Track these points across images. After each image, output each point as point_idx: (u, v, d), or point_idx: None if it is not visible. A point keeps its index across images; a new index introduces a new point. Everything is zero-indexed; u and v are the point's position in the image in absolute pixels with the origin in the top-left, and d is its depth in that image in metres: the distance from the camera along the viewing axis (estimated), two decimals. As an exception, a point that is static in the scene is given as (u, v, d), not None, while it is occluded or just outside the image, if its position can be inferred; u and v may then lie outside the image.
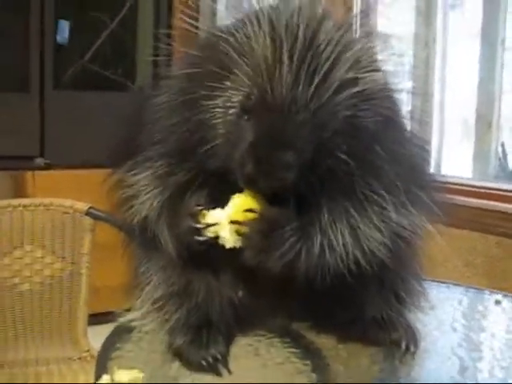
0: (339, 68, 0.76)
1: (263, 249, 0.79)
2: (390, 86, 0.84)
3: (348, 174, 0.79)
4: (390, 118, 0.82)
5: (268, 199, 0.79)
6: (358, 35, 0.83)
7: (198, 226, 0.81)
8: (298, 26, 0.76)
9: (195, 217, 0.82)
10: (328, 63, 0.75)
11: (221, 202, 0.82)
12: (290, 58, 0.74)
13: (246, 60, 0.77)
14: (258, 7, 0.82)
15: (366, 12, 0.90)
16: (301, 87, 0.74)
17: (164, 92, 0.87)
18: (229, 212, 0.80)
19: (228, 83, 0.78)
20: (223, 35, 0.80)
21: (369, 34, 0.86)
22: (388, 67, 0.86)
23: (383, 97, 0.81)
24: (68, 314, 1.94)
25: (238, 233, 0.80)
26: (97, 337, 1.22)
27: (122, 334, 0.97)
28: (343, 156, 0.78)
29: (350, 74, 0.76)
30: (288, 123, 0.74)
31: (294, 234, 0.80)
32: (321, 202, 0.81)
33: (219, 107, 0.79)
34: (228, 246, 0.81)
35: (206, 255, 0.84)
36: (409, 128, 0.91)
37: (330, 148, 0.78)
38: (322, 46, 0.76)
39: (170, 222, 0.85)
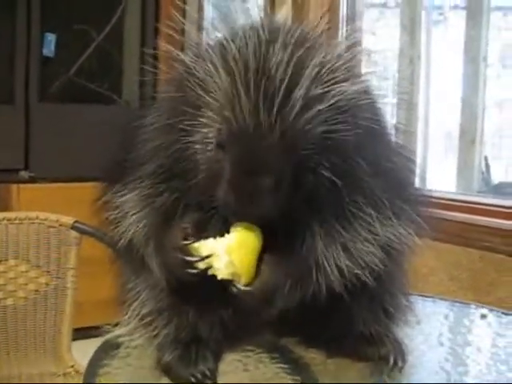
0: (300, 86, 0.75)
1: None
2: (365, 94, 0.83)
3: (333, 191, 0.79)
4: (371, 129, 0.82)
5: (263, 227, 0.79)
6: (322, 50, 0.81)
7: (192, 259, 0.80)
8: (248, 53, 0.76)
9: (185, 251, 0.81)
10: (285, 84, 0.74)
11: (208, 223, 0.82)
12: (246, 86, 0.74)
13: (212, 96, 0.78)
14: (241, 25, 0.83)
15: (353, 28, 0.89)
16: (262, 112, 0.74)
17: (151, 113, 0.87)
18: (228, 244, 0.79)
19: (203, 120, 0.79)
20: (188, 74, 0.81)
21: (352, 48, 0.86)
22: (372, 82, 0.87)
23: (359, 107, 0.80)
24: (52, 329, 1.91)
25: (234, 267, 0.79)
26: (81, 352, 1.21)
27: (109, 349, 0.97)
28: (326, 173, 0.78)
29: (314, 91, 0.76)
30: (257, 150, 0.74)
31: (291, 281, 0.82)
32: (313, 227, 0.81)
33: (199, 143, 0.80)
34: (220, 277, 0.80)
35: (194, 284, 0.83)
36: (394, 140, 0.92)
37: (311, 166, 0.78)
38: (274, 69, 0.75)
39: (158, 250, 0.84)
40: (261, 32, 0.79)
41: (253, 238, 0.79)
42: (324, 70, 0.77)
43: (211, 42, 0.84)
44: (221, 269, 0.79)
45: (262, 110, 0.74)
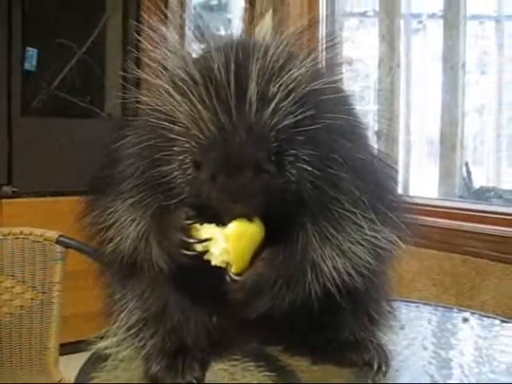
0: (250, 84, 0.77)
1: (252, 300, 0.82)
2: (318, 77, 0.83)
3: (315, 186, 0.81)
4: (343, 125, 0.83)
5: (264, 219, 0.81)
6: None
7: (190, 240, 0.81)
8: (191, 69, 0.79)
9: (186, 231, 0.81)
10: (232, 85, 0.76)
11: (204, 216, 0.83)
12: (200, 99, 0.77)
13: (177, 123, 0.80)
14: (224, 35, 0.85)
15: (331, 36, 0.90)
16: (222, 117, 0.76)
17: (131, 132, 0.88)
18: (226, 231, 0.80)
19: (176, 148, 0.81)
20: (153, 111, 0.83)
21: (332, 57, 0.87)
22: (353, 91, 0.88)
23: (316, 93, 0.81)
24: (39, 344, 1.91)
25: (228, 255, 0.80)
26: (68, 366, 1.20)
27: (96, 362, 0.97)
28: (305, 166, 0.80)
29: (266, 85, 0.78)
30: (228, 150, 0.76)
31: (282, 278, 0.82)
32: (306, 227, 0.83)
33: (176, 170, 0.82)
34: (214, 263, 0.81)
35: (188, 270, 0.84)
36: (376, 147, 0.93)
37: (289, 160, 0.79)
38: (218, 74, 0.77)
39: (159, 236, 0.84)
40: (205, 45, 0.83)
41: (253, 230, 0.80)
42: (267, 62, 0.79)
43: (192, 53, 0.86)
44: (215, 254, 0.80)
45: (222, 115, 0.76)
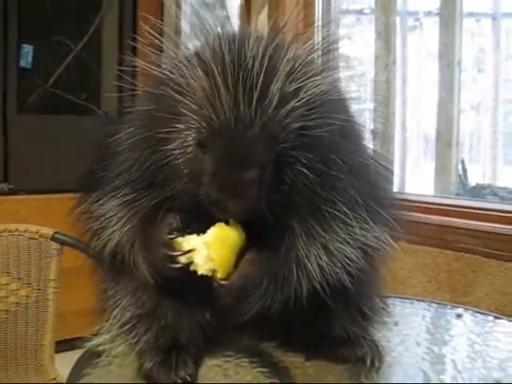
0: (275, 81, 0.77)
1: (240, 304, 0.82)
2: (336, 88, 0.85)
3: (310, 188, 0.81)
4: (344, 127, 0.84)
5: (245, 227, 0.81)
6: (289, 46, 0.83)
7: (174, 253, 0.81)
8: (223, 51, 0.78)
9: (169, 245, 0.82)
10: (261, 78, 0.77)
11: (191, 223, 0.83)
12: (225, 82, 0.76)
13: (189, 98, 0.79)
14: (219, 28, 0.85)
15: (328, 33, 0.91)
16: (242, 106, 0.76)
17: (128, 125, 0.88)
18: (206, 239, 0.80)
19: (180, 125, 0.80)
20: (163, 83, 0.82)
21: (325, 41, 0.88)
22: (349, 88, 0.88)
23: (333, 103, 0.82)
24: (34, 341, 1.90)
25: (212, 262, 0.80)
26: (63, 364, 1.20)
27: (90, 358, 0.97)
28: (303, 169, 0.80)
29: (288, 86, 0.78)
30: (240, 142, 0.76)
31: (269, 276, 0.82)
32: (293, 227, 0.83)
33: (177, 149, 0.81)
34: (200, 272, 0.81)
35: (176, 279, 0.84)
36: (371, 147, 0.93)
37: (289, 162, 0.79)
38: (250, 63, 0.77)
39: (144, 250, 0.85)
40: (233, 33, 0.82)
41: (233, 234, 0.81)
42: (297, 65, 0.80)
43: (188, 50, 0.86)
44: (200, 264, 0.81)
45: (242, 104, 0.76)
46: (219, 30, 0.84)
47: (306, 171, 0.80)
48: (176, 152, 0.81)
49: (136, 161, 0.85)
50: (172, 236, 0.82)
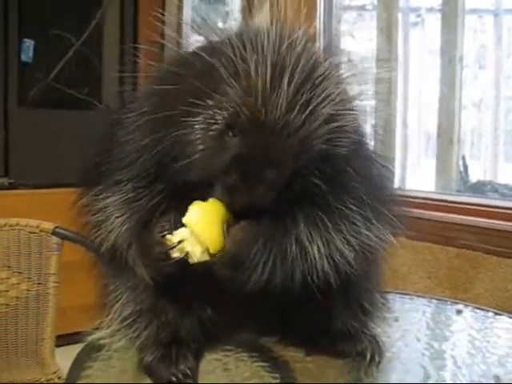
0: (327, 103, 0.78)
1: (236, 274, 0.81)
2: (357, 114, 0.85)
3: (319, 195, 0.81)
4: (358, 141, 0.85)
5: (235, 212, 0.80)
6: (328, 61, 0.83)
7: (166, 248, 0.81)
8: (300, 56, 0.78)
9: (161, 243, 0.82)
10: (321, 97, 0.77)
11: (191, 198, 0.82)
12: (289, 84, 0.76)
13: (236, 80, 0.78)
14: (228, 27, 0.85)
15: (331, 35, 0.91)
16: (294, 113, 0.76)
17: (133, 112, 0.87)
18: (187, 219, 0.80)
19: (210, 101, 0.79)
20: (183, 66, 0.82)
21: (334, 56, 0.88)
22: (353, 86, 0.88)
23: (355, 128, 0.83)
24: (35, 335, 1.91)
25: (202, 244, 0.80)
26: (64, 358, 1.21)
27: (91, 352, 0.97)
28: (315, 180, 0.80)
29: (333, 111, 0.79)
30: (278, 144, 0.76)
31: (265, 251, 0.81)
32: (296, 214, 0.82)
33: (200, 124, 0.79)
34: (195, 260, 0.81)
35: (175, 276, 0.84)
36: (372, 146, 0.94)
37: (304, 173, 0.80)
38: (320, 80, 0.78)
39: (140, 255, 0.85)
40: (270, 31, 0.80)
41: (210, 206, 0.80)
42: (342, 94, 0.81)
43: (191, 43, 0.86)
44: (191, 251, 0.80)
45: (296, 111, 0.76)
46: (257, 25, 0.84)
47: (318, 181, 0.80)
48: (197, 127, 0.79)
49: (142, 149, 0.84)
50: (162, 234, 0.82)
